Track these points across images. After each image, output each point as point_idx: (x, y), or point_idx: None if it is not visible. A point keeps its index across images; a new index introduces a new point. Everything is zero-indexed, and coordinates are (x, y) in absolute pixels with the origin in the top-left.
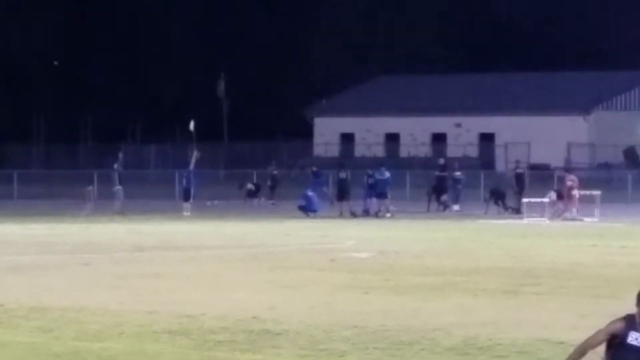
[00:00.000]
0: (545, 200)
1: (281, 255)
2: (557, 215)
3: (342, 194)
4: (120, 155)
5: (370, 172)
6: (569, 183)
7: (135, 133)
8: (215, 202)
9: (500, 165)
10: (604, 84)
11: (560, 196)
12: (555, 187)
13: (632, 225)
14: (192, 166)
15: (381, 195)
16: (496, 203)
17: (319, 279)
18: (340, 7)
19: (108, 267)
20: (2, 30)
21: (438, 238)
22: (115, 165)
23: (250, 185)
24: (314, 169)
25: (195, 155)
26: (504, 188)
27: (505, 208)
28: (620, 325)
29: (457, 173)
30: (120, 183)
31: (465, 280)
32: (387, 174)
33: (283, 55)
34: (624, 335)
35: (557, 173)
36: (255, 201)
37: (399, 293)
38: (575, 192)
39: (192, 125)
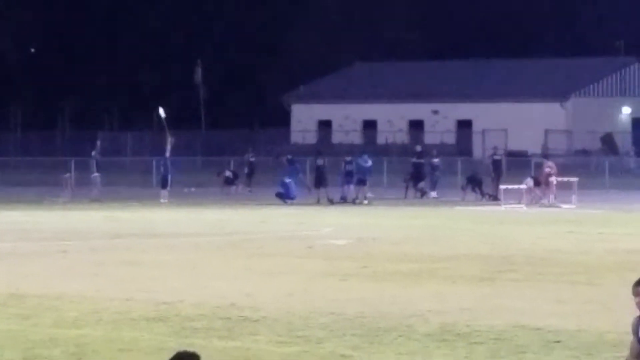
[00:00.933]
0: (523, 187)
1: (259, 243)
2: (534, 202)
3: (320, 181)
4: (98, 142)
5: (347, 159)
6: (546, 170)
7: (112, 120)
8: (193, 189)
9: (477, 152)
10: (581, 70)
11: (537, 183)
12: (532, 174)
13: (609, 212)
14: (168, 153)
15: (361, 182)
16: (473, 190)
17: (297, 266)
18: None
19: (86, 255)
20: None
21: (415, 225)
22: (93, 153)
23: (228, 173)
24: (289, 157)
25: (170, 141)
26: (481, 175)
27: (483, 194)
28: (634, 324)
29: (435, 160)
30: (98, 170)
31: (443, 267)
32: (370, 162)
33: (260, 42)
34: (637, 331)
35: (534, 160)
36: (233, 188)
37: (377, 280)
38: (553, 179)
39: (161, 111)
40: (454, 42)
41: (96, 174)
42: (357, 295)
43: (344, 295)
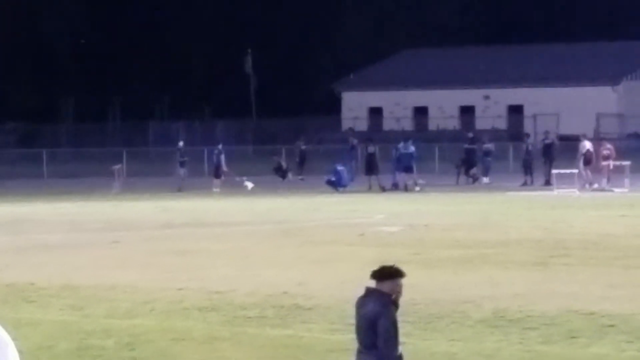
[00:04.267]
0: (575, 171)
1: (310, 231)
2: (586, 184)
3: (371, 168)
4: (181, 143)
5: (399, 145)
6: (605, 152)
7: (163, 110)
8: (245, 178)
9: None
10: (632, 53)
11: (587, 161)
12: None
13: None
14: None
15: (407, 169)
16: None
17: (349, 254)
18: None
19: (138, 245)
20: (30, 10)
21: (467, 211)
22: (181, 143)
23: (283, 163)
24: (355, 141)
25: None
26: (533, 159)
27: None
28: None
29: (488, 145)
30: (182, 166)
31: (495, 252)
32: (412, 148)
33: (310, 30)
34: None
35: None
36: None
37: (429, 266)
38: (609, 162)
39: (249, 185)
40: (504, 27)
41: (182, 169)
42: (409, 282)
43: None
